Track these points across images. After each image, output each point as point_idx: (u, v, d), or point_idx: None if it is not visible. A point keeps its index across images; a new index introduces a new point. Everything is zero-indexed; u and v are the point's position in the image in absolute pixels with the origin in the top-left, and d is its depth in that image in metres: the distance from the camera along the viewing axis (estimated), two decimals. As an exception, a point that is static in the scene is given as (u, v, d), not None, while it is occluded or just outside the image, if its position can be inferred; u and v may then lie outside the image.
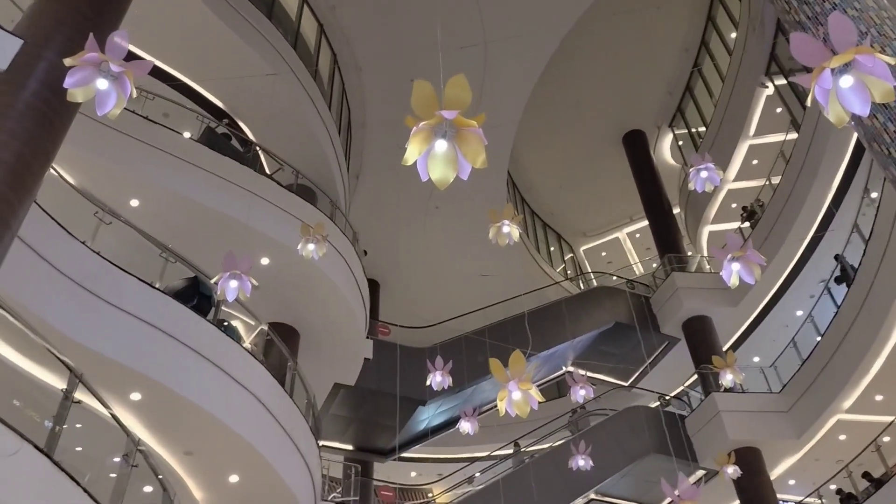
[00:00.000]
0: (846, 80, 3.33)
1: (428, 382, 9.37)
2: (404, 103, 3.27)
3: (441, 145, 3.24)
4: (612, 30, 20.92)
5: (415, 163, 3.30)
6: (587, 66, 21.87)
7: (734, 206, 20.79)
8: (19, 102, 6.19)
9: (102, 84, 4.34)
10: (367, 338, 15.25)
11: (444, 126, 3.17)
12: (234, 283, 6.81)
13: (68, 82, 4.28)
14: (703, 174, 7.37)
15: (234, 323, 11.45)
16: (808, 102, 3.44)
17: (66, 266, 8.01)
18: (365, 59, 17.30)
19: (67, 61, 4.23)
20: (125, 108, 9.43)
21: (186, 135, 11.70)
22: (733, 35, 20.41)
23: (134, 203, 10.77)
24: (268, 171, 13.37)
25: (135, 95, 4.50)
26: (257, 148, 13.43)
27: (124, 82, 4.38)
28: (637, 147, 24.28)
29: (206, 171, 11.14)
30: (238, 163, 11.74)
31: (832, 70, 3.30)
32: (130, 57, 4.47)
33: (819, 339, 15.96)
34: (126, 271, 8.74)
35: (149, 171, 10.60)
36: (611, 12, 19.88)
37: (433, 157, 3.26)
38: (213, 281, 7.10)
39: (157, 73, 12.15)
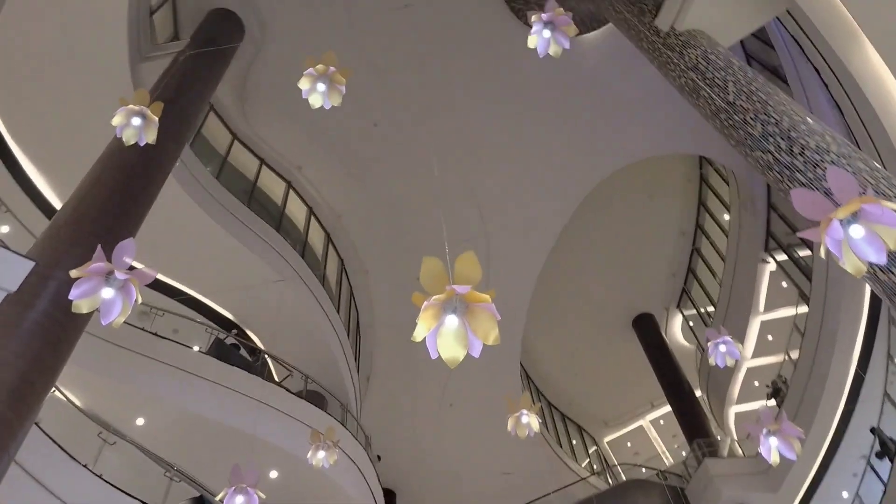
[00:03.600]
0: (856, 231, 3.29)
1: None
2: (411, 304, 3.14)
3: (452, 321, 3.08)
4: (610, 220, 21.72)
5: (427, 349, 3.12)
6: (589, 255, 22.44)
7: (756, 384, 20.18)
8: (26, 321, 6.18)
9: (108, 293, 4.31)
10: (386, 554, 14.08)
11: (454, 302, 3.04)
12: (240, 499, 6.38)
13: (74, 294, 4.24)
14: (722, 348, 7.16)
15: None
16: (822, 254, 3.37)
17: (67, 493, 7.58)
18: (371, 262, 17.79)
19: (74, 273, 4.23)
20: (135, 326, 9.37)
21: (195, 348, 11.66)
22: (726, 216, 21.09)
23: (140, 422, 10.45)
24: (276, 379, 13.16)
25: (139, 303, 4.46)
26: (266, 356, 13.34)
27: (129, 290, 4.36)
28: (648, 330, 24.19)
29: (213, 382, 10.93)
30: (246, 372, 11.56)
31: (840, 221, 3.27)
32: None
33: (873, 521, 14.70)
34: (129, 494, 8.27)
35: (156, 387, 10.40)
36: (605, 206, 20.72)
37: (443, 335, 3.09)
38: (217, 498, 6.65)
39: (166, 289, 12.40)
